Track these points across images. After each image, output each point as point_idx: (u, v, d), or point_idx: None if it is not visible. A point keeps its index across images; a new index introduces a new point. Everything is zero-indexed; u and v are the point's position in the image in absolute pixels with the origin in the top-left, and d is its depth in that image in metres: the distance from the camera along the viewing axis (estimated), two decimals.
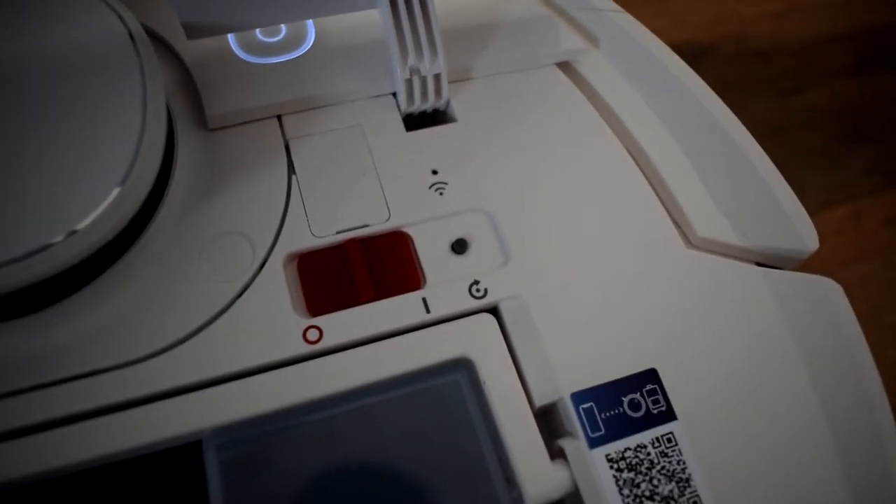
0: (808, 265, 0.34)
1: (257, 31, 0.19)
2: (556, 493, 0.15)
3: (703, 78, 0.37)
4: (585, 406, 0.15)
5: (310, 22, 0.19)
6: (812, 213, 0.34)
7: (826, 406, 0.16)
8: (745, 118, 0.37)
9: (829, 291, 0.17)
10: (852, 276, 0.32)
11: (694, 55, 0.37)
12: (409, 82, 0.18)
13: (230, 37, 0.18)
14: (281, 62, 0.18)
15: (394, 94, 0.18)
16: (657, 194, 0.18)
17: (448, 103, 0.18)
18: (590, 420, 0.15)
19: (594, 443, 0.15)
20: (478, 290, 0.16)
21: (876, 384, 0.17)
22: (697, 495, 0.15)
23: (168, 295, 0.16)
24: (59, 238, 0.14)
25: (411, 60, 0.18)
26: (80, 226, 0.14)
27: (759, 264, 0.18)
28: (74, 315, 0.15)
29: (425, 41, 0.17)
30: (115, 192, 0.14)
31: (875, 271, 0.33)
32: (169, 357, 0.15)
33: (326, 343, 0.15)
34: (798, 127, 0.36)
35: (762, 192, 0.18)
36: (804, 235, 0.18)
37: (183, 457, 0.14)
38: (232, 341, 0.15)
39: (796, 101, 0.37)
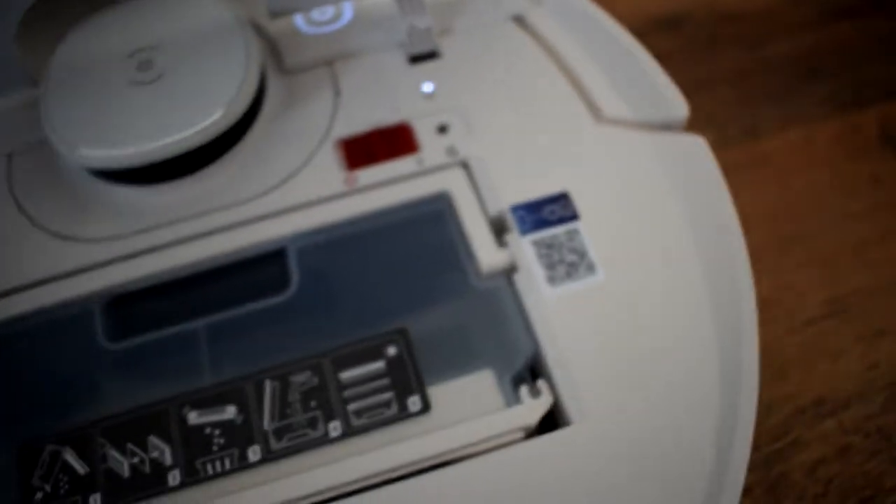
0: (766, 170, 0.41)
1: (313, 12, 0.29)
2: (502, 265, 0.24)
3: (678, 41, 0.46)
4: (519, 213, 0.25)
5: (347, 4, 0.29)
6: (767, 136, 0.42)
7: (692, 228, 0.25)
8: (715, 68, 0.46)
9: (695, 146, 0.26)
10: (803, 182, 0.40)
11: (671, 23, 0.46)
12: (410, 33, 0.28)
13: (297, 17, 0.29)
14: (328, 31, 0.29)
15: None
16: (576, 91, 0.27)
17: (436, 47, 0.28)
18: (521, 221, 0.25)
19: (524, 233, 0.24)
20: (453, 153, 0.26)
21: (727, 207, 0.25)
22: (591, 260, 0.24)
23: (265, 164, 0.26)
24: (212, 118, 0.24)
25: (410, 20, 0.28)
26: (221, 112, 0.24)
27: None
28: (214, 174, 0.26)
29: (418, 7, 0.28)
30: (232, 97, 0.25)
31: (823, 179, 0.40)
32: (263, 198, 0.25)
33: (360, 184, 0.25)
34: (759, 72, 0.44)
35: (648, 83, 0.27)
36: (676, 107, 0.26)
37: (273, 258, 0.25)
38: (303, 186, 0.25)
39: (759, 51, 0.45)
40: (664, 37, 0.46)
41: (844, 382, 0.33)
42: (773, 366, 0.33)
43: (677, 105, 0.26)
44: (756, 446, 0.31)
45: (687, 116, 0.27)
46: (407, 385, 0.22)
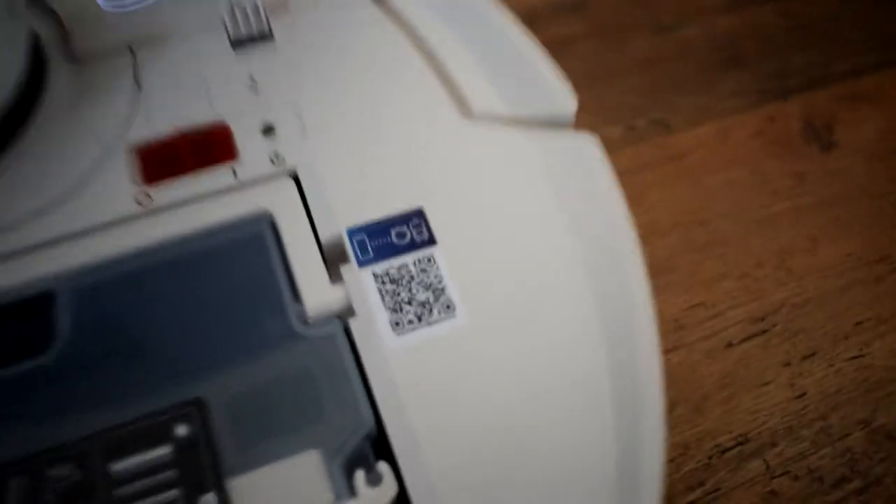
0: (678, 168, 0.37)
1: None
2: (335, 306, 0.19)
3: (586, 23, 0.41)
4: (358, 238, 0.19)
5: None
6: (680, 130, 0.38)
7: (581, 251, 0.20)
8: (623, 56, 0.41)
9: (584, 144, 0.21)
10: (719, 181, 0.35)
11: (576, 6, 0.41)
12: (232, 12, 0.22)
13: None
14: (131, 7, 0.23)
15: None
16: (441, 82, 0.22)
17: (267, 28, 0.23)
18: (361, 247, 0.19)
19: (363, 264, 0.19)
20: (277, 158, 0.20)
21: (622, 218, 0.20)
22: (450, 298, 0.19)
23: (38, 180, 0.20)
24: None
25: None
26: None
27: None
28: None
29: None
30: None
31: (741, 177, 0.36)
32: (31, 224, 0.19)
33: (157, 203, 0.19)
34: (671, 58, 0.39)
35: (528, 73, 0.22)
36: (562, 100, 0.21)
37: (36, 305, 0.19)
38: (83, 207, 0.19)
39: (671, 36, 0.40)
40: (567, 21, 0.41)
41: (770, 416, 0.29)
42: (689, 400, 0.29)
43: (563, 98, 0.21)
44: (668, 497, 0.26)
45: (575, 111, 0.22)
46: (200, 478, 0.16)
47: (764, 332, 0.31)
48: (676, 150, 0.36)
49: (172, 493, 0.16)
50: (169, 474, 0.17)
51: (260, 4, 0.22)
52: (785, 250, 0.34)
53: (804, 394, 0.29)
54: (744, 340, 0.31)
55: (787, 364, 0.30)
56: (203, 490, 0.16)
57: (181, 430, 0.17)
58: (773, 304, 0.32)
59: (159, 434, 0.17)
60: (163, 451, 0.17)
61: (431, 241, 0.19)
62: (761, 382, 0.30)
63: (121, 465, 0.17)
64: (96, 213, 0.20)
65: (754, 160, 0.37)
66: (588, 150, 0.21)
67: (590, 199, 0.20)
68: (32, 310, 0.19)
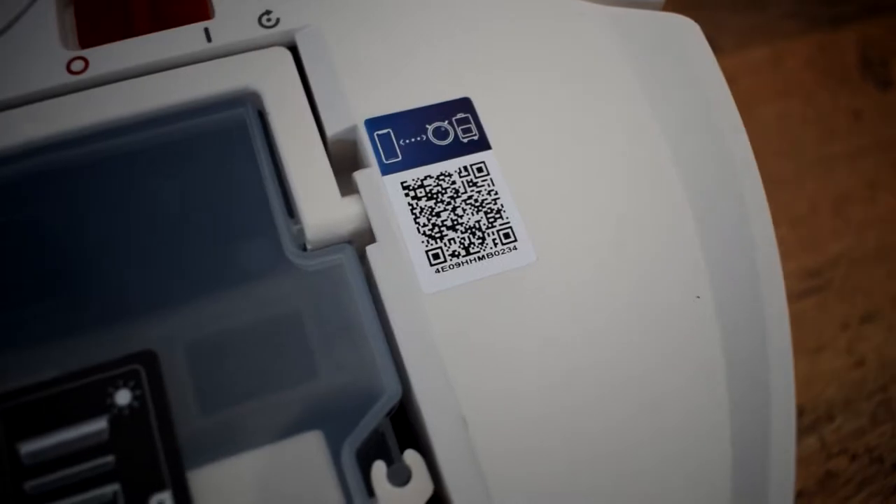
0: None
1: None
2: (345, 227, 0.13)
3: None
4: (381, 132, 0.14)
5: None
6: (728, 52, 0.33)
7: (674, 148, 0.14)
8: None
9: (683, 29, 0.15)
10: (772, 114, 0.31)
11: None
12: None
13: None
14: None
15: None
16: None
17: None
18: (385, 147, 0.13)
19: (388, 169, 0.13)
20: (269, 20, 0.14)
21: (735, 127, 0.15)
22: (511, 223, 0.13)
23: None
24: None
25: None
26: None
27: None
28: None
29: None
30: None
31: (795, 111, 0.31)
32: None
33: (92, 73, 0.14)
34: None
35: None
36: None
37: None
38: None
39: None
40: None
41: (827, 386, 0.25)
42: None
43: None
44: None
45: None
46: (149, 468, 0.11)
47: (819, 288, 0.28)
48: (725, 75, 0.31)
49: (108, 490, 0.11)
50: (104, 461, 0.11)
51: None
52: (842, 196, 0.30)
53: (863, 361, 0.26)
54: (798, 297, 0.27)
55: (845, 327, 0.27)
56: (153, 487, 0.11)
57: (122, 397, 0.12)
58: (829, 258, 0.28)
59: (90, 402, 0.12)
60: (94, 428, 0.11)
61: (483, 143, 0.14)
62: (816, 346, 0.26)
63: (34, 447, 0.11)
64: (13, 83, 0.14)
65: (809, 92, 0.32)
66: (689, 38, 0.15)
67: (695, 100, 0.15)
68: None
